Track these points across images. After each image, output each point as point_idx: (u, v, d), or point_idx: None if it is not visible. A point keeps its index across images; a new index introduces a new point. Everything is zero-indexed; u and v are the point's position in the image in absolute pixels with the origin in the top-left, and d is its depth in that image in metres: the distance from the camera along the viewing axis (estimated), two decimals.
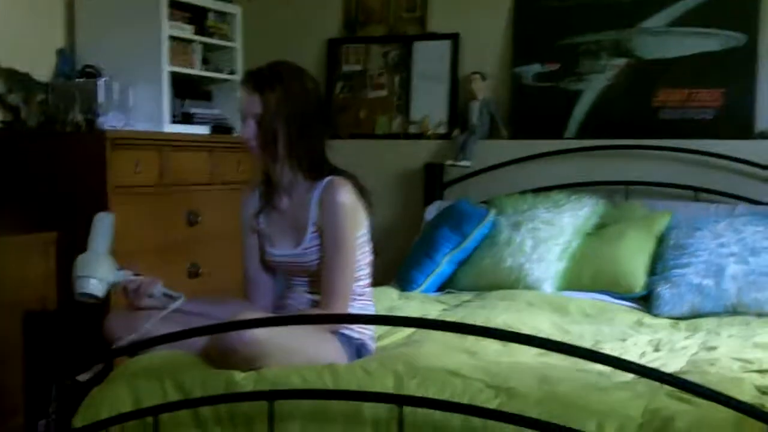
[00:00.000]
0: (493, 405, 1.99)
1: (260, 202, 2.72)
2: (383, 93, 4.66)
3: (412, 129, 4.58)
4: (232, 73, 4.36)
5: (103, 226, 2.61)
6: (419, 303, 3.51)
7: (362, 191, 2.59)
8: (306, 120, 2.55)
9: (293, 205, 2.63)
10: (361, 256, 2.60)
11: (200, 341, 2.42)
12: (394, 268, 3.88)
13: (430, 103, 4.55)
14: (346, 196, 2.54)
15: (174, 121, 4.00)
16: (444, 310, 3.38)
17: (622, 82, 4.22)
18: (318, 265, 2.56)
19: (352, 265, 2.55)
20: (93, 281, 2.50)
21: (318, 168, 2.59)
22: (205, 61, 4.28)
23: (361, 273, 2.61)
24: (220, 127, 4.26)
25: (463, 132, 4.35)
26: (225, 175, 4.14)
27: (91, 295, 2.50)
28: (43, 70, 3.90)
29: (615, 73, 4.23)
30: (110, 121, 3.61)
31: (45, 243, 3.25)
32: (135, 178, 3.60)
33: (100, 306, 2.81)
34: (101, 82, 3.69)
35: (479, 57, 4.45)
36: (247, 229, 2.76)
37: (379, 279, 2.77)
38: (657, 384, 2.03)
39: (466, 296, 3.63)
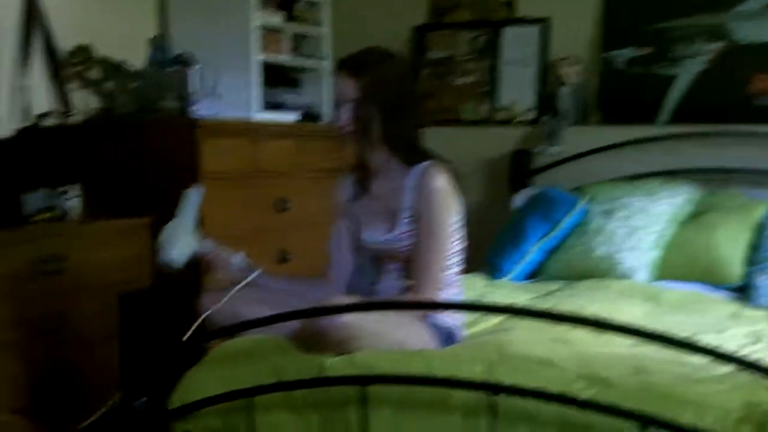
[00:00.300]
0: (587, 395, 1.95)
1: (354, 188, 2.74)
2: (470, 79, 4.63)
3: (500, 115, 4.54)
4: (321, 60, 4.37)
5: (191, 199, 2.68)
6: (507, 291, 3.47)
7: (457, 178, 2.58)
8: (400, 104, 2.56)
9: (387, 190, 2.64)
10: (454, 244, 2.59)
11: (292, 325, 2.45)
12: (481, 256, 3.84)
13: (518, 89, 4.50)
14: (443, 181, 2.53)
15: (263, 109, 4.03)
16: (533, 298, 3.34)
17: (716, 67, 4.11)
18: (410, 251, 2.56)
19: (445, 252, 2.54)
20: (174, 250, 2.58)
21: (412, 153, 2.59)
22: (294, 49, 4.30)
23: (453, 260, 2.61)
24: (309, 115, 4.28)
25: (552, 118, 4.29)
26: (313, 163, 4.16)
27: (171, 263, 2.58)
28: (136, 58, 3.97)
29: (710, 58, 4.12)
30: (201, 109, 3.66)
31: (139, 227, 3.32)
32: (225, 165, 3.64)
33: (194, 286, 2.87)
34: (193, 71, 3.74)
35: (569, 41, 4.39)
36: (339, 212, 2.80)
37: (465, 267, 2.76)
38: (757, 377, 1.97)
39: (555, 285, 3.58)
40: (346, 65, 2.59)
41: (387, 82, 2.55)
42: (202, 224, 2.69)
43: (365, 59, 2.58)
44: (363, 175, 2.71)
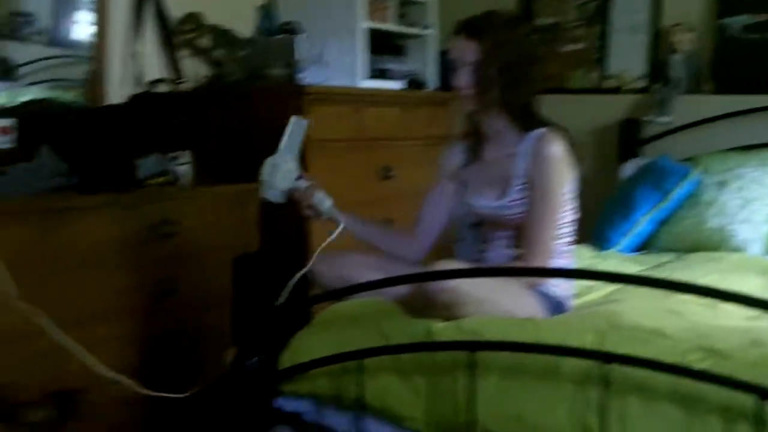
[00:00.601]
0: (702, 366, 1.91)
1: (466, 153, 2.72)
2: (579, 46, 4.54)
3: (609, 83, 4.44)
4: (426, 28, 4.35)
5: (296, 130, 2.67)
6: (616, 263, 3.42)
7: (572, 146, 2.54)
8: (520, 69, 2.53)
9: (500, 156, 2.61)
10: (566, 213, 2.56)
11: (399, 290, 2.46)
12: (588, 226, 3.78)
13: (628, 57, 4.39)
14: (558, 149, 2.50)
15: (369, 77, 4.03)
16: (643, 270, 3.29)
17: None
18: (521, 219, 2.53)
19: (557, 221, 2.51)
20: (273, 186, 2.60)
21: (529, 119, 2.56)
22: (401, 16, 4.29)
23: (564, 231, 2.57)
24: (414, 83, 4.27)
25: (664, 86, 4.18)
26: (417, 131, 4.16)
27: (271, 199, 2.61)
28: (245, 26, 4.03)
29: None
30: (308, 77, 3.69)
31: (246, 193, 3.35)
32: (331, 132, 3.66)
33: (304, 248, 2.89)
34: (300, 38, 3.76)
35: (682, 7, 4.25)
36: (443, 175, 2.79)
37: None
38: None
39: (665, 257, 3.51)
40: (467, 27, 2.56)
41: (508, 46, 2.52)
42: (303, 159, 2.69)
43: (487, 21, 2.55)
44: (475, 141, 2.69)
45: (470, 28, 2.55)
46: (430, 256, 4.00)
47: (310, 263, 2.54)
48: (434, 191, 2.82)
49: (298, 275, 2.49)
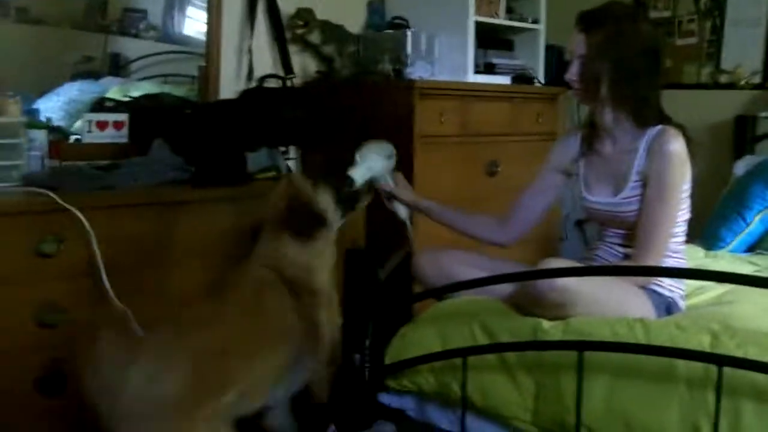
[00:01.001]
0: None
1: (582, 146, 2.69)
2: (693, 40, 4.45)
3: (723, 78, 4.34)
4: (535, 22, 4.31)
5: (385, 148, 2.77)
6: (728, 263, 3.33)
7: (690, 144, 2.48)
8: (634, 64, 2.46)
9: (617, 151, 2.57)
10: (681, 212, 2.50)
11: (505, 288, 2.45)
12: (699, 224, 3.69)
13: (743, 51, 4.28)
14: (679, 146, 2.44)
15: (477, 72, 4.02)
16: (756, 270, 3.20)
17: None
18: (635, 216, 2.49)
19: (672, 219, 2.46)
20: (359, 169, 2.65)
21: (644, 115, 2.50)
22: (509, 10, 4.26)
23: (678, 229, 2.52)
24: (522, 77, 4.23)
25: None
26: (525, 126, 4.12)
27: (352, 181, 2.62)
28: (354, 22, 4.06)
29: None
30: (417, 71, 3.70)
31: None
32: (439, 127, 3.66)
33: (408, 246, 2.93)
34: (409, 33, 3.77)
35: None
36: (552, 166, 2.76)
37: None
38: None
39: None
40: (581, 19, 2.53)
41: (619, 41, 2.46)
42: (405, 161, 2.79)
43: (600, 15, 2.50)
44: (592, 134, 2.65)
45: (583, 20, 2.52)
46: (533, 254, 4.00)
47: (387, 270, 2.57)
48: (538, 180, 2.79)
49: (399, 256, 2.55)
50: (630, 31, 2.48)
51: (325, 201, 2.47)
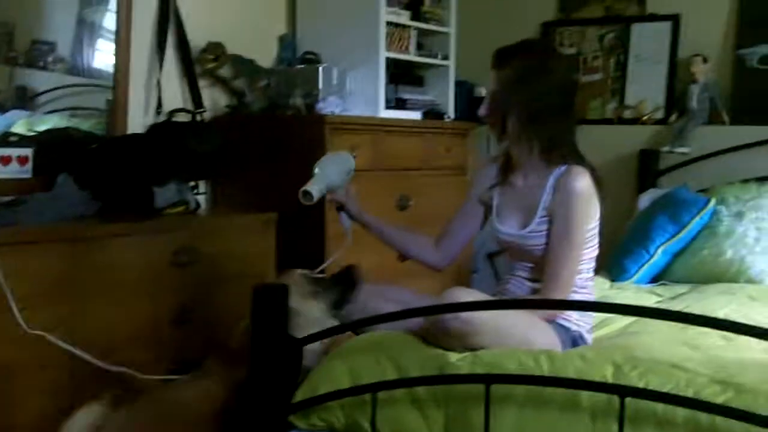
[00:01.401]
0: (719, 400, 1.90)
1: (497, 176, 2.72)
2: (597, 76, 4.57)
3: (627, 114, 4.46)
4: (445, 58, 4.37)
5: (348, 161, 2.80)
6: (632, 293, 3.41)
7: (598, 183, 2.51)
8: (543, 101, 2.48)
9: (527, 185, 2.60)
10: (588, 249, 2.53)
11: (417, 322, 2.46)
12: (604, 256, 3.78)
13: (646, 87, 4.42)
14: (584, 184, 2.46)
15: (388, 107, 4.05)
16: (659, 302, 3.28)
17: None
18: (542, 251, 2.52)
19: (577, 257, 2.49)
20: (315, 185, 2.63)
21: (555, 152, 2.51)
22: (419, 47, 4.31)
23: (585, 266, 2.55)
24: (432, 113, 4.29)
25: (681, 117, 4.19)
26: (435, 161, 4.17)
27: (307, 196, 2.61)
28: (266, 56, 4.06)
29: None
30: (329, 106, 3.71)
31: (266, 222, 3.38)
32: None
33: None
34: (321, 68, 3.79)
35: (701, 38, 4.28)
36: (473, 196, 2.79)
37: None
38: None
39: (681, 289, 3.50)
40: (495, 56, 2.55)
41: (528, 78, 2.47)
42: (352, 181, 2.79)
43: (512, 52, 2.52)
44: (507, 165, 2.68)
45: (496, 57, 2.55)
46: (447, 285, 4.03)
47: (323, 266, 2.60)
48: (464, 209, 2.83)
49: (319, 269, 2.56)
50: (539, 67, 2.49)
51: (318, 312, 2.50)
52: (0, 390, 2.47)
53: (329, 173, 2.70)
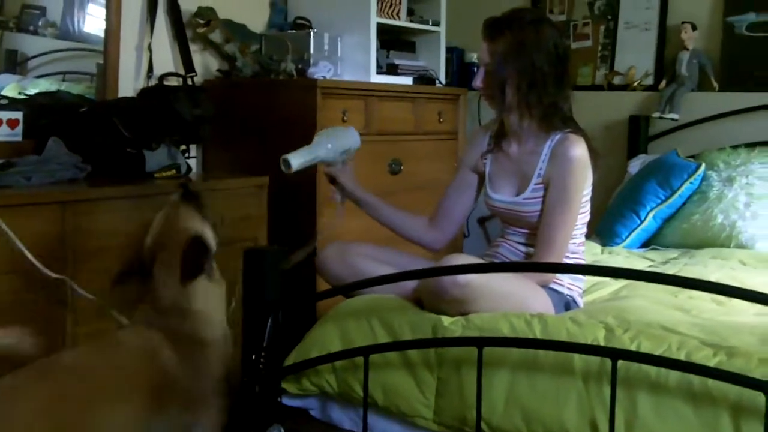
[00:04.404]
0: (712, 363, 1.92)
1: (490, 144, 2.72)
2: (587, 43, 4.56)
3: (617, 80, 4.46)
4: (436, 24, 4.35)
5: (351, 137, 2.71)
6: (624, 258, 3.44)
7: (592, 150, 2.53)
8: (538, 70, 2.49)
9: (522, 152, 2.61)
10: (581, 215, 2.56)
11: (410, 285, 2.47)
12: (595, 221, 3.80)
13: (636, 54, 4.41)
14: (581, 151, 2.49)
15: (379, 72, 4.04)
16: (650, 266, 3.30)
17: None
18: (537, 217, 2.54)
19: (572, 222, 2.51)
20: (298, 156, 2.53)
21: (551, 120, 2.53)
22: (410, 12, 4.29)
23: (577, 231, 2.58)
24: (423, 78, 4.28)
25: (671, 83, 4.19)
26: (427, 126, 4.16)
27: (287, 163, 2.51)
28: (257, 21, 4.04)
29: None
30: (320, 71, 3.69)
31: (257, 186, 3.37)
32: (342, 126, 3.67)
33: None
34: (312, 33, 3.77)
35: (690, 5, 4.27)
36: (466, 164, 2.78)
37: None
38: None
39: (672, 254, 3.52)
40: (486, 27, 2.55)
41: (522, 48, 2.48)
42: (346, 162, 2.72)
43: (504, 22, 2.53)
44: (501, 134, 2.68)
45: (487, 28, 2.54)
46: (442, 256, 4.04)
47: (299, 257, 2.50)
48: (456, 181, 2.82)
49: (308, 247, 2.53)
50: (534, 37, 2.49)
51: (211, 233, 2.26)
52: None
53: (322, 146, 2.62)
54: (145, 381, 2.03)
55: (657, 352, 1.98)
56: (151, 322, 2.13)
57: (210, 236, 2.24)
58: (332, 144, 2.64)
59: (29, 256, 2.39)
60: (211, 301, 2.21)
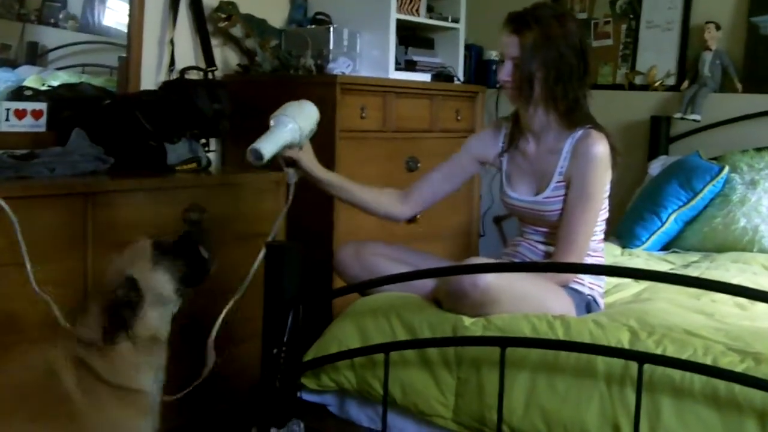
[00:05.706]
0: (738, 369, 1.90)
1: (505, 142, 2.70)
2: (608, 42, 4.53)
3: (638, 80, 4.42)
4: (455, 21, 4.33)
5: (309, 111, 2.52)
6: (644, 261, 3.41)
7: (613, 147, 2.51)
8: (565, 64, 2.48)
9: (541, 151, 2.59)
10: (601, 212, 2.54)
11: (428, 285, 2.46)
12: (614, 222, 3.78)
13: (658, 53, 4.37)
14: (603, 149, 2.47)
15: (398, 69, 4.02)
16: (672, 269, 3.27)
17: None
18: (557, 216, 2.52)
19: (594, 220, 2.50)
20: (267, 143, 2.35)
21: (573, 116, 2.52)
22: (430, 9, 4.28)
23: (597, 228, 2.56)
24: (442, 75, 4.26)
25: (693, 84, 4.16)
26: (444, 123, 4.14)
27: (257, 154, 2.33)
28: (277, 16, 4.03)
29: None
30: (339, 67, 3.68)
31: (275, 182, 3.36)
32: (360, 122, 3.66)
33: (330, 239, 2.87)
34: (332, 29, 3.76)
35: (713, 5, 4.22)
36: (469, 151, 2.78)
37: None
38: None
39: (693, 257, 3.50)
40: (511, 21, 2.53)
41: (550, 42, 2.47)
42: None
43: (530, 16, 2.51)
44: (518, 132, 2.66)
45: (513, 22, 2.52)
46: (452, 249, 4.02)
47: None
48: (452, 162, 2.80)
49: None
50: (560, 31, 2.48)
51: (162, 282, 2.09)
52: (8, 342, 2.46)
53: (288, 128, 2.42)
54: (36, 398, 1.96)
55: (681, 357, 1.96)
56: (65, 346, 2.04)
57: (154, 284, 2.07)
58: (298, 124, 2.44)
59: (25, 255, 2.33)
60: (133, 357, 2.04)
